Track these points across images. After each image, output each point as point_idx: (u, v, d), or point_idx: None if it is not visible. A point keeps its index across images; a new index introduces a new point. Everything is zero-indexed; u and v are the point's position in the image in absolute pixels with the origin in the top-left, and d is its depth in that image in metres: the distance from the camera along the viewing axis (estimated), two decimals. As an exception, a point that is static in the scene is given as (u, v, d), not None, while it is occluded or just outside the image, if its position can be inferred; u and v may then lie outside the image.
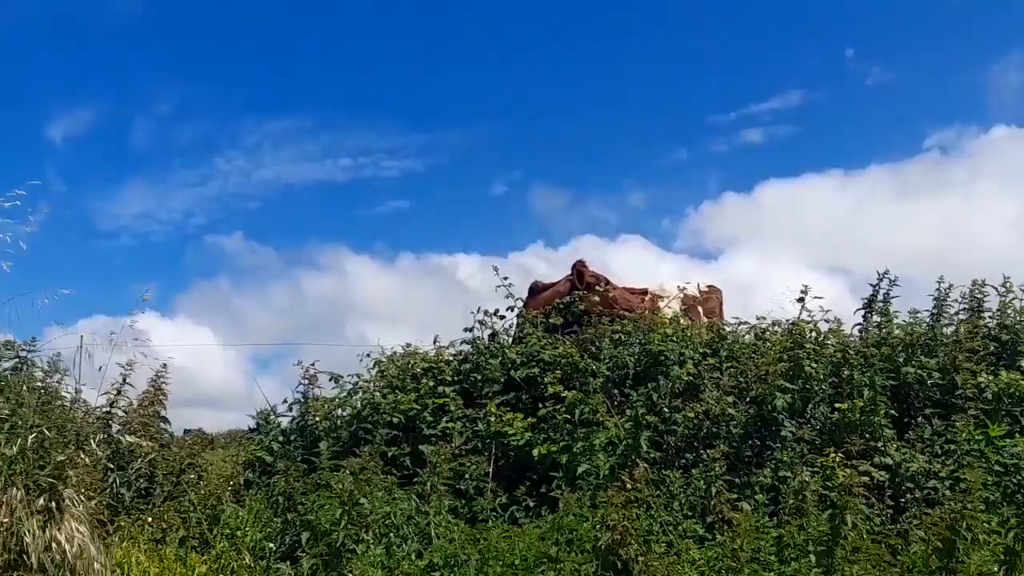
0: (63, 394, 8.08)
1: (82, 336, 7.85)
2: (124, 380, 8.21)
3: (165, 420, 8.55)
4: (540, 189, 33.11)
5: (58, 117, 32.40)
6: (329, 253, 31.30)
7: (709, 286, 11.80)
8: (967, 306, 10.64)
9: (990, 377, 9.13)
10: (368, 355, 9.77)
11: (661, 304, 10.97)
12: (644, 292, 11.38)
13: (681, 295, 11.09)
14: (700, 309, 11.28)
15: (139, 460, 7.96)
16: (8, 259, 6.93)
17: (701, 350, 9.49)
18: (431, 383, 9.15)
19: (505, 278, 10.24)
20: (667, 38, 34.05)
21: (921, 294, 10.91)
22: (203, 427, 11.51)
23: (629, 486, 6.46)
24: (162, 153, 33.07)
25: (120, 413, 8.29)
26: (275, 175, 32.59)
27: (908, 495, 8.07)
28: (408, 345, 9.87)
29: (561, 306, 10.48)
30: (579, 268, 10.80)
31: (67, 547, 5.62)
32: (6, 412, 6.85)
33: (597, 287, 10.59)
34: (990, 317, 10.51)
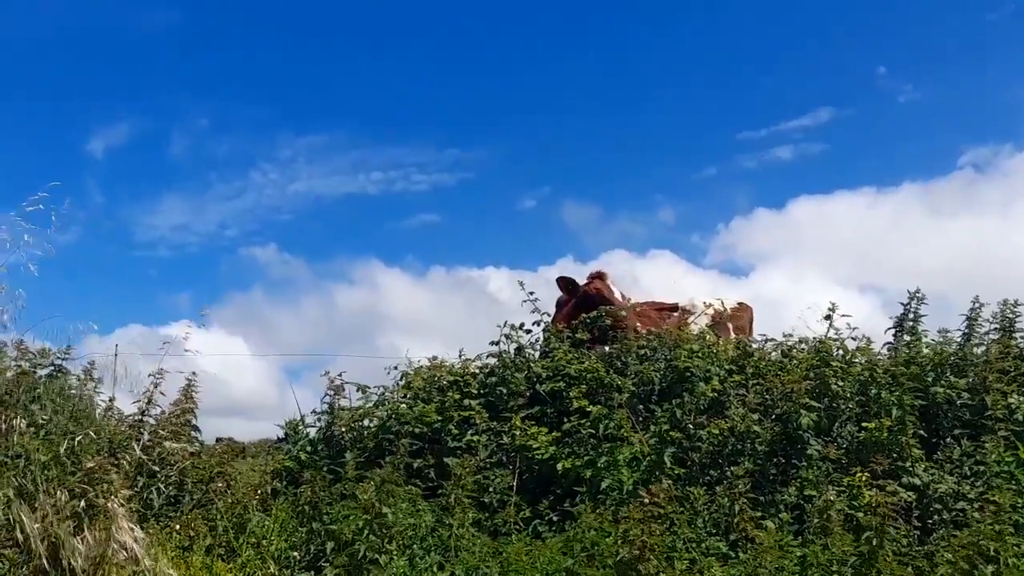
0: (98, 402, 8.27)
1: (116, 345, 7.96)
2: (155, 387, 8.25)
3: (196, 428, 8.52)
4: (570, 204, 33.18)
5: (99, 130, 33.25)
6: (361, 266, 31.42)
7: (739, 303, 11.56)
8: (998, 326, 10.42)
9: (1021, 398, 8.90)
10: (395, 367, 9.77)
11: (689, 320, 10.75)
12: (674, 308, 11.14)
13: (710, 311, 10.88)
14: (730, 326, 11.03)
15: (169, 468, 7.95)
16: (35, 261, 7.04)
17: (727, 367, 9.34)
18: (457, 396, 9.08)
19: (531, 293, 10.26)
20: (696, 55, 34.04)
21: (953, 313, 11.12)
22: (234, 436, 11.58)
23: (648, 501, 6.38)
24: (199, 166, 33.56)
25: (151, 421, 8.30)
26: (308, 188, 33.11)
27: (936, 516, 7.92)
28: (435, 358, 9.79)
29: (588, 321, 10.31)
30: (592, 278, 10.61)
31: (98, 551, 5.69)
32: (42, 419, 6.95)
33: (594, 295, 10.34)
34: (1022, 337, 10.26)
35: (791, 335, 9.98)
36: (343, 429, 9.17)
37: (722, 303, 11.06)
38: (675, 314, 11.04)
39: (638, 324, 10.59)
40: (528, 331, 9.94)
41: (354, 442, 9.09)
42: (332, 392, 9.43)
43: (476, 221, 33.78)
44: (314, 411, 9.49)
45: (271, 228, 32.95)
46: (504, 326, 9.66)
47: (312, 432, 9.47)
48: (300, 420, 9.55)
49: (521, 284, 10.11)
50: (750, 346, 9.87)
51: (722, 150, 34.65)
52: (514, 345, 9.74)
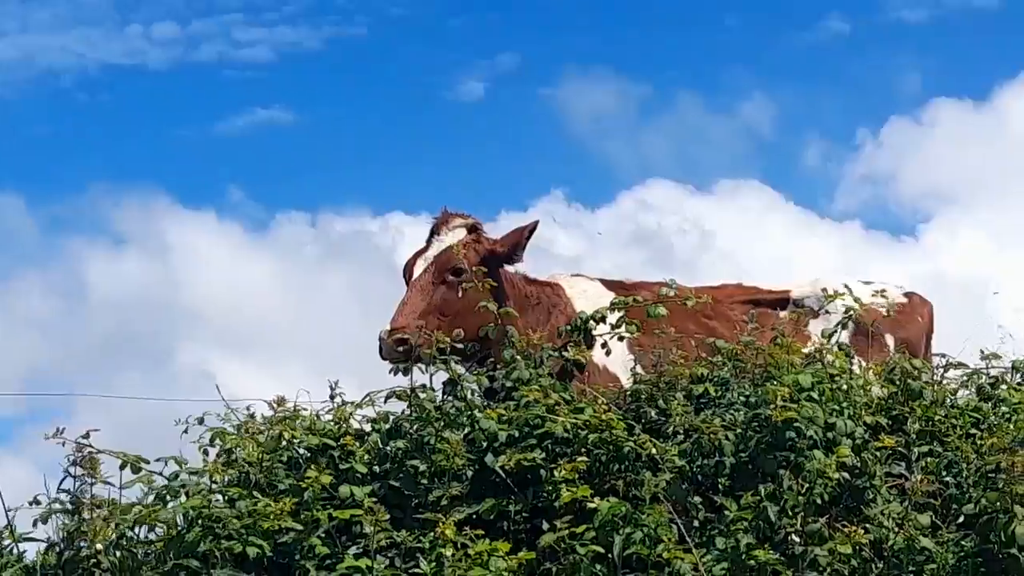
0: None
1: None
2: None
3: None
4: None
5: None
6: (140, 207, 33.07)
7: (908, 294, 11.07)
8: None
9: None
10: (200, 420, 8.45)
11: (803, 324, 10.08)
12: (781, 298, 10.76)
13: (839, 306, 9.87)
14: (887, 338, 10.36)
15: None
16: None
17: (869, 418, 8.44)
18: (327, 476, 7.99)
19: (477, 267, 9.17)
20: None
21: None
22: None
23: None
24: None
25: None
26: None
27: None
28: (280, 400, 8.59)
29: (583, 323, 9.09)
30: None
31: None
32: None
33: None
34: None
35: (996, 356, 9.36)
36: (97, 547, 8.08)
37: (879, 292, 10.32)
38: (782, 313, 10.45)
39: (686, 331, 9.67)
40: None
41: (120, 570, 8.10)
42: (78, 470, 8.21)
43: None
44: (35, 502, 8.30)
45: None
46: (420, 333, 8.67)
47: (33, 552, 8.45)
48: (7, 527, 8.47)
49: (456, 249, 9.28)
50: (917, 377, 8.99)
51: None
52: (440, 374, 8.70)
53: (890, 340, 10.55)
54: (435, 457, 8.34)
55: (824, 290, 10.26)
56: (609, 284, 10.21)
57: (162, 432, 8.89)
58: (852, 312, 9.65)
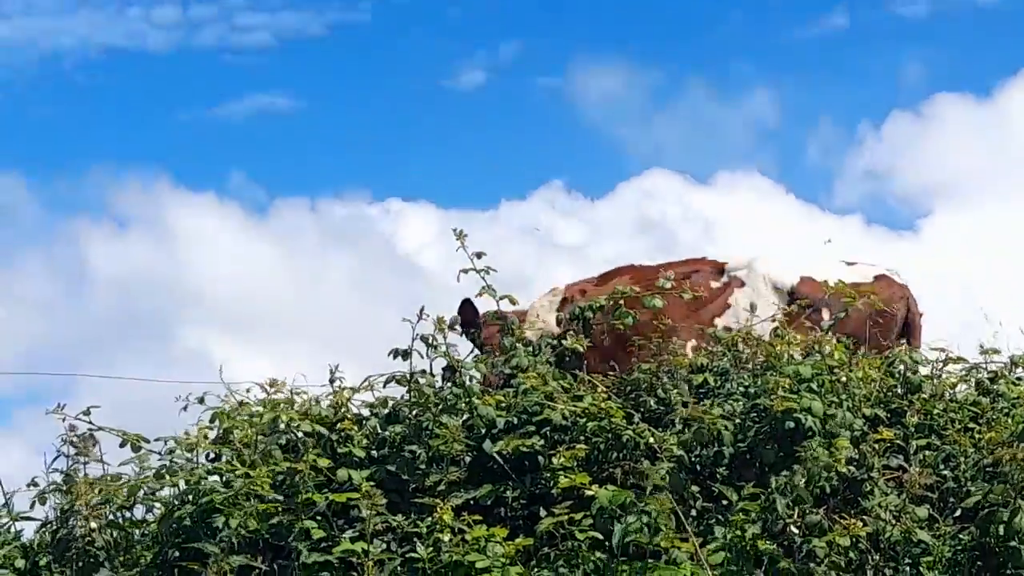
0: None
1: None
2: None
3: None
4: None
5: None
6: (141, 189, 31.97)
7: (879, 276, 10.79)
8: None
9: None
10: (200, 399, 8.36)
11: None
12: (720, 267, 10.89)
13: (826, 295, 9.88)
14: (824, 312, 10.25)
15: None
16: None
17: (867, 410, 8.38)
18: (323, 459, 7.96)
19: (479, 254, 8.84)
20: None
21: None
22: None
23: None
24: None
25: None
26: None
27: None
28: (274, 383, 8.48)
29: (581, 312, 9.23)
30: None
31: None
32: None
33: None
34: None
35: (995, 351, 9.20)
36: (91, 525, 7.98)
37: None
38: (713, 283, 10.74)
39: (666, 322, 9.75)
40: (468, 329, 8.93)
41: (115, 546, 8.11)
42: (73, 447, 8.22)
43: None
44: (33, 484, 8.24)
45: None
46: (420, 318, 8.42)
47: (29, 531, 8.42)
48: (5, 506, 8.43)
49: (458, 235, 8.84)
50: (915, 366, 8.96)
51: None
52: (440, 360, 8.62)
53: (826, 315, 10.46)
54: (433, 442, 8.27)
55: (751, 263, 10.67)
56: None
57: (162, 413, 8.79)
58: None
